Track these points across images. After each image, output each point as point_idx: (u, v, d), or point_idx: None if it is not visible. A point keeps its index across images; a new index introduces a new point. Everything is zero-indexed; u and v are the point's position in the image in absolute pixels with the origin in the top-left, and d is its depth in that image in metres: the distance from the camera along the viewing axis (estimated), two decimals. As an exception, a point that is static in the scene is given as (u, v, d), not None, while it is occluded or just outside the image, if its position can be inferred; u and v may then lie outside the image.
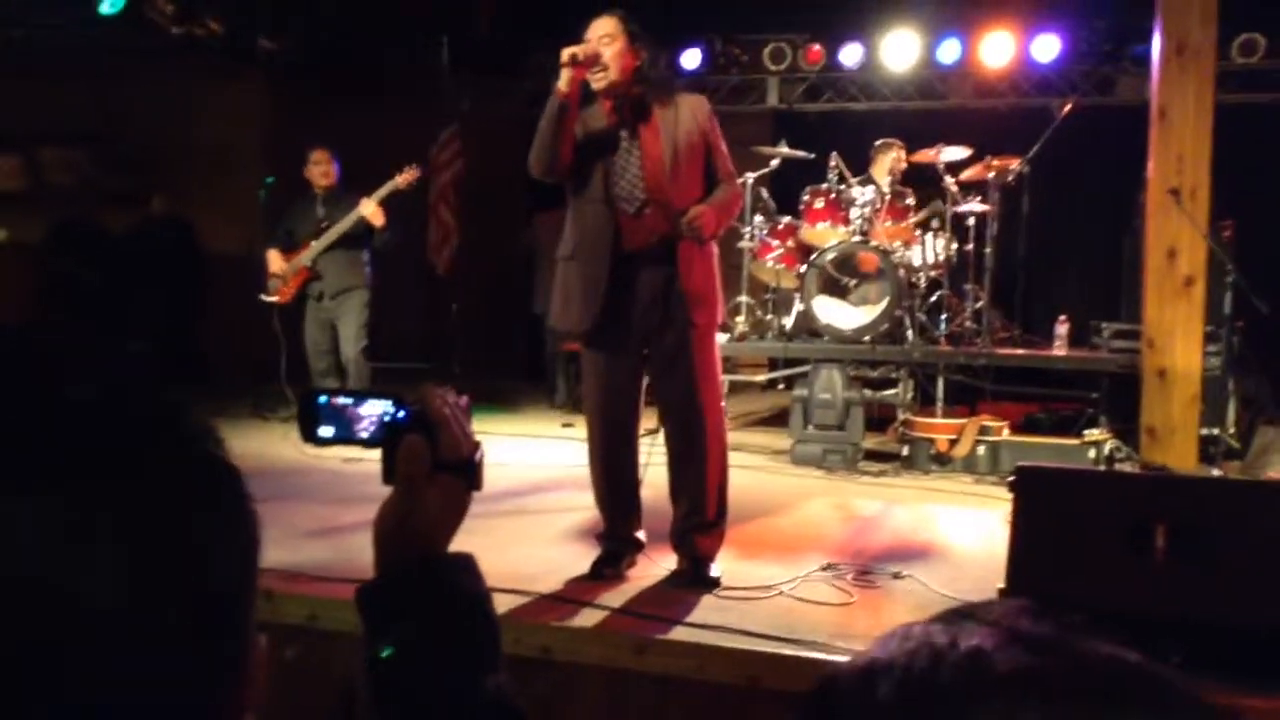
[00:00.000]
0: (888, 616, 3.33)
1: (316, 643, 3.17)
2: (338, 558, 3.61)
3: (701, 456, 3.64)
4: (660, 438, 3.84)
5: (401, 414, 0.99)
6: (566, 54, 3.47)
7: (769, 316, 6.79)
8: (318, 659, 3.14)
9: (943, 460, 5.79)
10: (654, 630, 3.13)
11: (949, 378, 6.53)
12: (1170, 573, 2.93)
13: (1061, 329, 6.63)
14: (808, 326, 6.45)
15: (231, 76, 8.88)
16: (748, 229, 6.70)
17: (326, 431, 1.02)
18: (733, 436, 4.01)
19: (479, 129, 8.78)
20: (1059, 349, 6.59)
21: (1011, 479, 3.20)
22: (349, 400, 1.01)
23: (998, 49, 8.10)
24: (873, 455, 6.05)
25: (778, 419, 7.02)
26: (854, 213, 6.50)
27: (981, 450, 5.72)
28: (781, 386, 7.18)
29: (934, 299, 6.82)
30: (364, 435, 1.00)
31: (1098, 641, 0.54)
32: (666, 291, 3.58)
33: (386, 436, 0.98)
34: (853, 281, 6.33)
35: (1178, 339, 5.64)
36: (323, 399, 1.02)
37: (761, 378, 7.46)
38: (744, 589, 3.51)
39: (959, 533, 4.53)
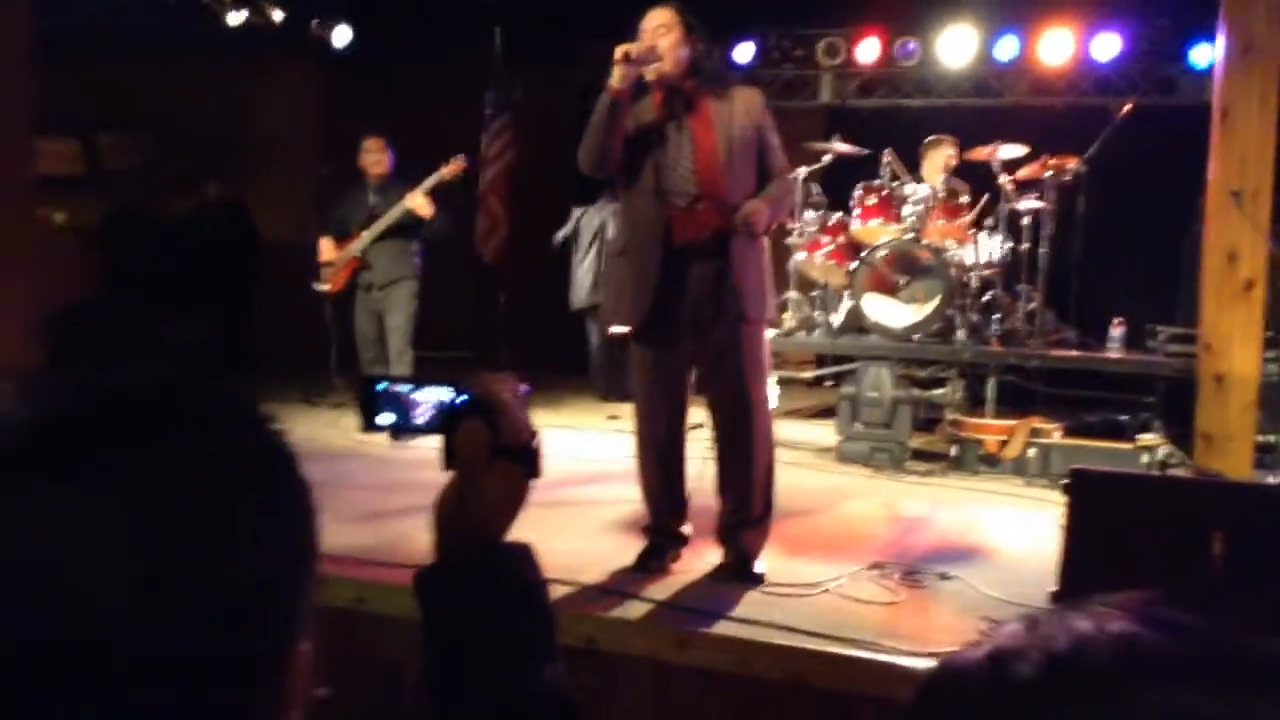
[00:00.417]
0: (935, 617, 3.30)
1: (363, 625, 3.20)
2: (385, 542, 3.64)
3: (748, 451, 3.62)
4: (704, 433, 3.83)
5: (461, 399, 0.98)
6: (620, 51, 3.45)
7: (817, 313, 6.75)
8: (364, 642, 3.16)
9: (992, 461, 5.72)
10: (698, 624, 3.12)
11: (1000, 378, 6.45)
12: (1226, 580, 2.87)
13: (1116, 331, 6.51)
14: (856, 324, 6.40)
15: (287, 65, 8.97)
16: (797, 225, 6.66)
17: (385, 419, 1.02)
18: (779, 432, 3.98)
19: (530, 120, 8.79)
20: (1113, 352, 6.48)
21: (1065, 481, 3.16)
22: (407, 387, 1.01)
23: (1056, 47, 7.99)
24: (920, 455, 5.99)
25: (824, 415, 6.97)
26: (906, 210, 6.44)
27: (1032, 452, 5.65)
28: (829, 383, 7.13)
29: (986, 299, 6.73)
30: (421, 421, 1.00)
31: (1244, 630, 0.53)
32: (718, 286, 3.56)
33: (446, 422, 0.98)
34: (903, 279, 6.27)
35: (1236, 343, 5.52)
36: (381, 386, 1.02)
37: (808, 374, 7.42)
38: (789, 586, 3.50)
39: (1008, 535, 4.48)
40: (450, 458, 0.97)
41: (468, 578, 0.93)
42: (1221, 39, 5.59)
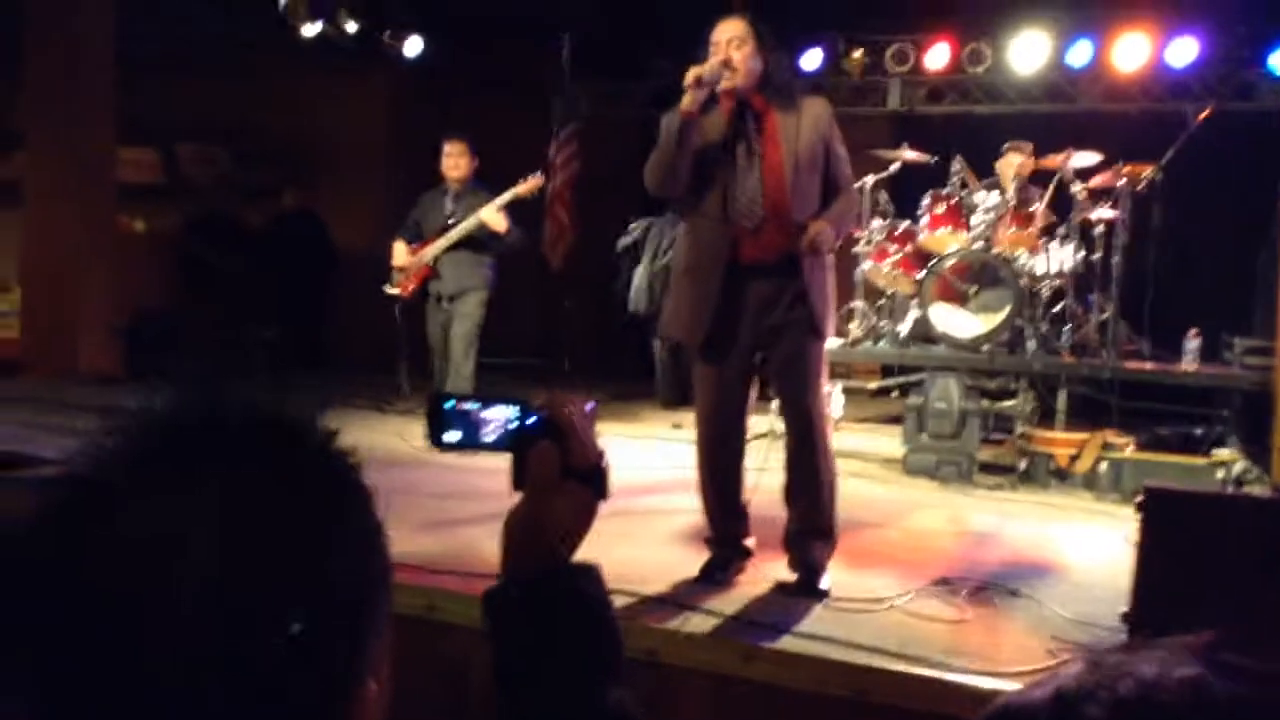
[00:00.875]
0: (1003, 635, 3.26)
1: (430, 632, 3.24)
2: (454, 551, 3.68)
3: (816, 463, 3.65)
4: (760, 444, 3.84)
5: (531, 420, 1.00)
6: (691, 75, 3.45)
7: (883, 322, 6.70)
8: (435, 650, 3.20)
9: (1062, 475, 5.63)
10: (762, 638, 3.12)
11: (1071, 390, 6.34)
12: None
13: (1192, 343, 6.38)
14: (924, 333, 6.34)
15: (359, 76, 9.11)
16: (865, 233, 6.61)
17: (452, 436, 1.03)
18: (844, 443, 3.96)
19: (597, 130, 8.84)
20: (1188, 364, 6.34)
21: (1139, 499, 3.10)
22: (475, 405, 1.02)
23: (1131, 52, 7.83)
24: (988, 468, 5.90)
25: (889, 426, 6.91)
26: (976, 219, 6.37)
27: (1104, 467, 5.55)
28: (895, 394, 7.07)
29: (1057, 309, 6.63)
30: (489, 440, 1.02)
31: None
32: (784, 299, 3.57)
33: (516, 442, 0.99)
34: (973, 289, 6.20)
35: (1316, 356, 5.38)
36: (449, 404, 1.03)
37: (874, 384, 7.36)
38: (855, 601, 3.47)
39: (1079, 551, 4.41)
40: (520, 478, 0.99)
41: (536, 598, 0.95)
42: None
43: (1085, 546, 4.50)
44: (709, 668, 3.06)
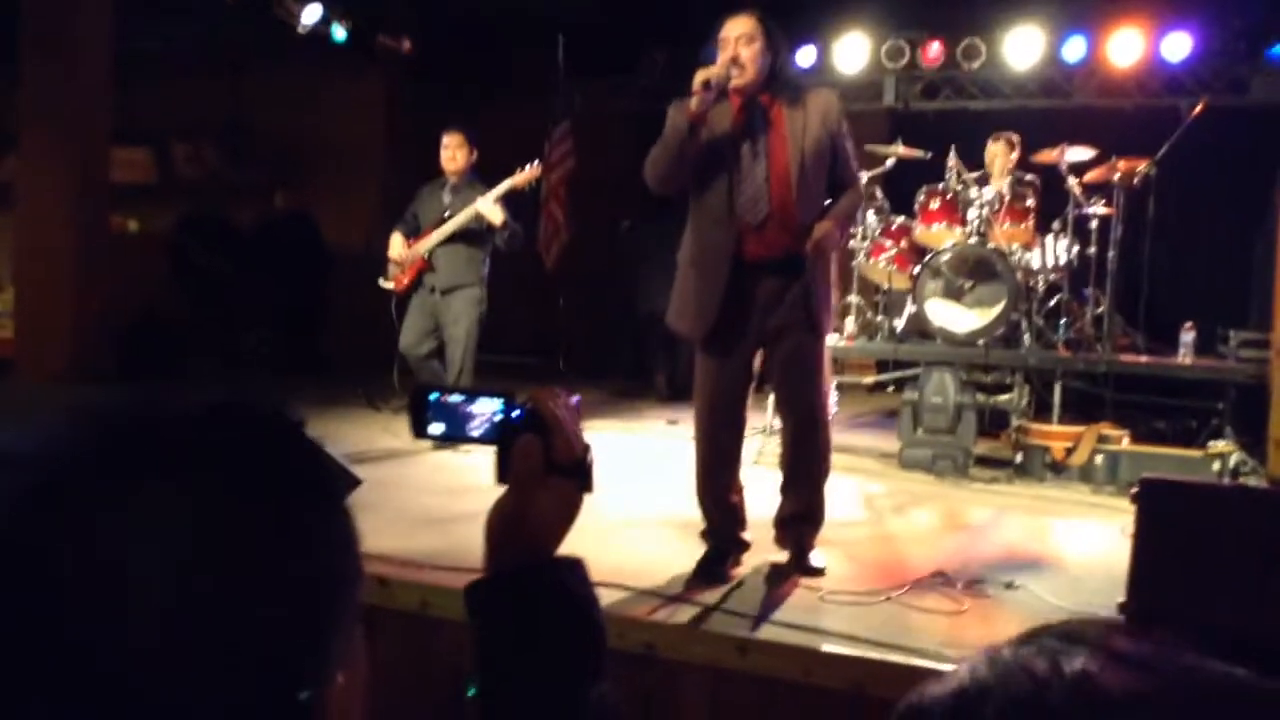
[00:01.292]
0: (1000, 627, 3.25)
1: (428, 629, 3.23)
2: (448, 547, 3.67)
3: (816, 457, 3.71)
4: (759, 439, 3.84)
5: (516, 414, 0.99)
6: (699, 78, 3.45)
7: (879, 318, 6.70)
8: (429, 645, 3.20)
9: (1058, 469, 5.63)
10: (758, 631, 3.11)
11: (1066, 384, 6.35)
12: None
13: (1187, 337, 6.38)
14: (920, 328, 6.34)
15: (354, 74, 9.10)
16: (860, 229, 6.61)
17: (437, 429, 1.03)
18: (840, 439, 3.97)
19: (592, 127, 8.84)
20: (1184, 357, 6.34)
21: (1135, 491, 3.10)
22: (460, 398, 1.02)
23: (1126, 47, 7.84)
24: (984, 461, 5.91)
25: (885, 422, 6.92)
26: (971, 213, 6.37)
27: (1099, 459, 5.55)
28: (891, 389, 7.07)
29: (1053, 303, 6.64)
30: (475, 434, 1.01)
31: (1201, 659, 0.53)
32: (788, 297, 3.58)
33: (500, 436, 0.99)
34: (968, 284, 6.20)
35: (1311, 349, 5.38)
36: (434, 396, 1.03)
37: (869, 379, 7.36)
38: (851, 594, 3.47)
39: (1075, 544, 4.41)
40: (504, 472, 0.98)
41: (519, 592, 0.94)
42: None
43: (1081, 539, 4.50)
44: (705, 661, 3.06)
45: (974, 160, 6.82)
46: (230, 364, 8.14)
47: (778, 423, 4.79)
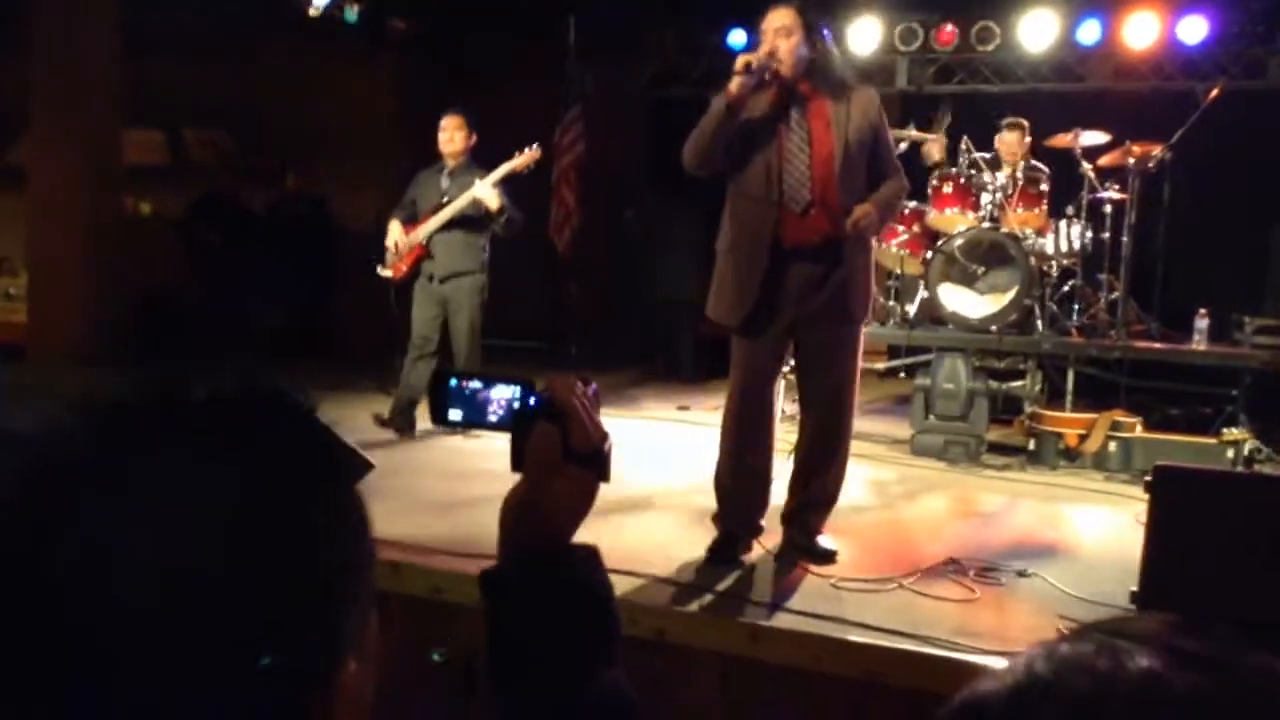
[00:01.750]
0: (1012, 615, 3.25)
1: (440, 614, 3.24)
2: (461, 532, 3.67)
3: (836, 446, 3.73)
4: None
5: (532, 401, 0.99)
6: (740, 62, 3.50)
7: (891, 303, 6.67)
8: (441, 631, 3.20)
9: (1071, 456, 5.61)
10: (769, 618, 3.11)
11: (1080, 370, 6.32)
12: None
13: (1201, 323, 6.34)
14: (932, 314, 6.31)
15: (366, 57, 9.08)
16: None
17: (456, 414, 1.02)
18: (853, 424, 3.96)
19: (602, 111, 8.80)
20: (1198, 344, 6.31)
21: (1149, 479, 3.09)
22: (479, 384, 1.02)
23: (1141, 30, 7.77)
24: (996, 448, 5.89)
25: (896, 408, 6.90)
26: (984, 198, 6.34)
27: (1113, 447, 5.52)
28: (902, 375, 7.05)
29: (1066, 289, 6.61)
30: (494, 419, 1.01)
31: (1269, 657, 0.52)
32: (827, 286, 3.60)
33: (516, 424, 0.98)
34: (981, 269, 6.16)
35: (1327, 335, 5.35)
36: (453, 382, 1.03)
37: (881, 365, 7.33)
38: (863, 581, 3.47)
39: (1088, 531, 4.40)
40: (519, 459, 0.97)
41: (533, 580, 0.93)
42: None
43: (1094, 526, 4.49)
44: (717, 648, 3.06)
45: (988, 145, 6.78)
46: (242, 347, 8.15)
47: (789, 407, 4.78)
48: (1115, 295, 6.46)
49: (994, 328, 6.02)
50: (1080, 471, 5.50)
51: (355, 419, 5.73)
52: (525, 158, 5.79)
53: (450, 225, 5.71)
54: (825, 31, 3.70)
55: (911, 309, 6.45)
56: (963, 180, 6.47)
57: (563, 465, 0.95)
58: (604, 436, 0.98)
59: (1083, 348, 6.21)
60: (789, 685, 2.98)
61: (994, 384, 6.04)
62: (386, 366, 6.84)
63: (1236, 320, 6.53)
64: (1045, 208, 6.50)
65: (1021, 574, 3.62)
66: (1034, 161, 6.70)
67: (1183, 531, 3.01)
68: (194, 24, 8.31)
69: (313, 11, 7.88)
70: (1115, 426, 5.57)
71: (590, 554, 0.97)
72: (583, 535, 0.98)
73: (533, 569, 0.94)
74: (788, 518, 3.78)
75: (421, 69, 9.14)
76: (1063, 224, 6.50)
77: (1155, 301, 7.02)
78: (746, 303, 3.61)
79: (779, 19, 3.57)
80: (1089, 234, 6.54)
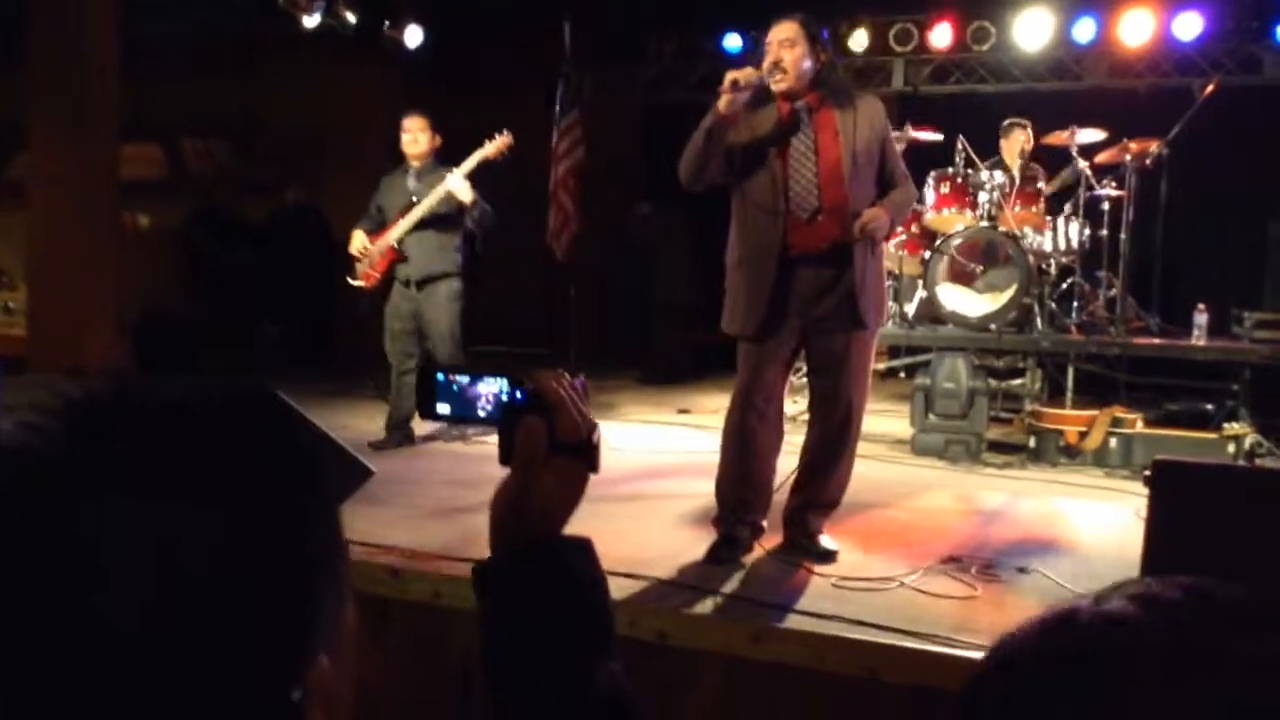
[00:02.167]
0: (1012, 612, 3.24)
1: (440, 620, 3.24)
2: (460, 537, 3.68)
3: (841, 452, 3.75)
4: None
5: (519, 395, 0.99)
6: (729, 79, 3.48)
7: (890, 303, 6.67)
8: (441, 635, 3.21)
9: (1072, 453, 5.61)
10: (772, 618, 3.11)
11: (1079, 368, 6.32)
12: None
13: (1201, 318, 6.34)
14: (931, 314, 6.32)
15: (362, 67, 9.10)
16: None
17: (444, 409, 1.03)
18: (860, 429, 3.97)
19: (600, 116, 8.82)
20: (1197, 339, 6.31)
21: (1148, 473, 3.08)
22: (466, 379, 1.02)
23: (1136, 27, 7.78)
24: (997, 446, 5.89)
25: (897, 408, 6.90)
26: (981, 197, 6.35)
27: (1113, 443, 5.53)
28: (902, 375, 7.05)
29: (1065, 286, 6.61)
30: (482, 414, 1.01)
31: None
32: (837, 291, 3.61)
33: (504, 418, 0.98)
34: (979, 268, 6.17)
35: (1327, 329, 5.34)
36: (440, 376, 1.03)
37: (882, 365, 7.34)
38: (864, 579, 3.46)
39: (1088, 527, 4.39)
40: (508, 453, 0.97)
41: (525, 572, 0.93)
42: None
43: (1095, 522, 4.48)
44: (719, 648, 3.06)
45: (984, 144, 6.79)
46: (243, 358, 8.16)
47: (791, 408, 4.78)
48: (1114, 292, 6.46)
49: (993, 326, 6.02)
50: (1081, 468, 5.50)
51: (355, 427, 5.74)
52: (496, 145, 5.55)
53: (423, 225, 5.55)
54: (827, 45, 3.72)
55: (911, 309, 6.46)
56: (960, 180, 6.48)
57: (551, 457, 0.95)
58: (592, 428, 0.98)
59: (1082, 345, 6.22)
60: (792, 685, 2.98)
61: (994, 382, 6.06)
62: (385, 375, 6.86)
63: (1235, 315, 6.53)
64: (1043, 206, 6.51)
65: (1022, 570, 3.61)
66: (1030, 161, 6.72)
67: (1183, 526, 3.00)
68: (192, 35, 8.34)
69: (308, 23, 7.89)
70: (1115, 423, 5.57)
71: (582, 546, 0.96)
72: (582, 536, 0.98)
73: (524, 561, 0.93)
74: (789, 519, 3.79)
75: (419, 78, 9.16)
76: (1060, 222, 6.50)
77: (1154, 297, 7.03)
78: (758, 314, 3.63)
79: (783, 31, 3.59)
80: (1087, 231, 6.55)
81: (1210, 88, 6.55)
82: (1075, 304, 6.48)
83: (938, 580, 3.50)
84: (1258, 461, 5.30)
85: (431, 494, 4.50)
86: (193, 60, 8.71)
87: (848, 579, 3.47)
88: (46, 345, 7.46)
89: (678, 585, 3.36)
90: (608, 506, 4.18)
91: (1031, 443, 5.75)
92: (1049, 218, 6.54)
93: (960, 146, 6.57)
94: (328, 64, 8.91)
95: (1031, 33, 7.99)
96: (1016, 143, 6.81)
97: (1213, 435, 5.50)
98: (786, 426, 3.89)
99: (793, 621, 3.08)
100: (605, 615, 0.96)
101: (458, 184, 5.39)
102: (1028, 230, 6.37)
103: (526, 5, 8.56)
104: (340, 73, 9.09)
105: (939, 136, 6.80)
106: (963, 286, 6.19)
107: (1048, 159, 6.89)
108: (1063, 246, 6.51)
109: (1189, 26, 7.66)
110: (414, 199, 5.57)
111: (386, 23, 8.69)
